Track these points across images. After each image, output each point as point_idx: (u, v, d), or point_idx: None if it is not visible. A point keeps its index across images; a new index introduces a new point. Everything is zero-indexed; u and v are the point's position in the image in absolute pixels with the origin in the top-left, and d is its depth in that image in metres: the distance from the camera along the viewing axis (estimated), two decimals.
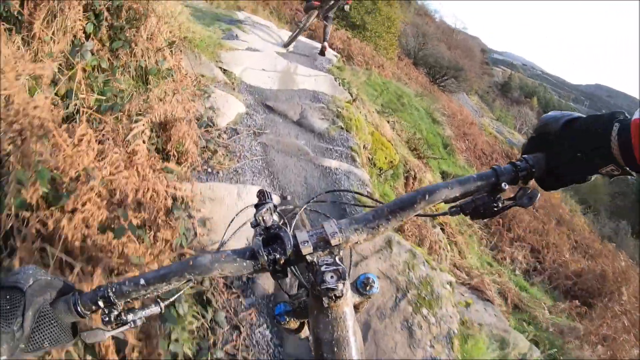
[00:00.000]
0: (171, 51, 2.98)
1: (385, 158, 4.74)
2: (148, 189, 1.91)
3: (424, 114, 8.90)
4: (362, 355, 0.80)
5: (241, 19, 7.50)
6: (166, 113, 2.46)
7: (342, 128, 4.51)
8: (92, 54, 2.41)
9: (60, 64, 2.31)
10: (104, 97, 2.32)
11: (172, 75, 2.85)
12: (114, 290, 0.69)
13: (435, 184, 0.81)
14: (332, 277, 0.71)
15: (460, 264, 4.80)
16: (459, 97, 25.98)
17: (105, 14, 2.55)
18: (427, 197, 0.79)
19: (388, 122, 6.07)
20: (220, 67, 4.48)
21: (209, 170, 2.84)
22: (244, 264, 0.73)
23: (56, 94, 2.19)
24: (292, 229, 0.83)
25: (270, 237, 0.77)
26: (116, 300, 0.70)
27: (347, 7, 7.55)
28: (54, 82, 2.21)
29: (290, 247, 0.74)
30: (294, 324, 1.04)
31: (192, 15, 5.74)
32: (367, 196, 1.24)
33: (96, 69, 2.46)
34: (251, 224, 0.80)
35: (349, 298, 0.78)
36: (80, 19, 2.46)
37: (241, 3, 10.33)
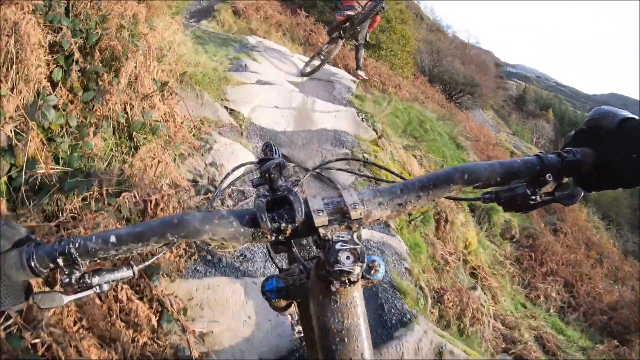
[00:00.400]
0: (162, 95, 2.43)
1: None
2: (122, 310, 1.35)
3: (448, 139, 8.32)
4: (372, 348, 0.67)
5: (252, 44, 7.02)
6: (152, 183, 1.90)
7: (370, 181, 3.91)
8: (57, 109, 1.87)
9: (17, 125, 1.78)
10: (71, 169, 1.76)
11: (162, 127, 2.30)
12: (77, 246, 0.57)
13: (475, 163, 0.72)
14: (348, 257, 0.59)
15: (495, 311, 4.47)
16: (475, 113, 25.42)
17: (77, 55, 2.02)
18: (465, 175, 0.69)
19: (415, 157, 5.49)
20: (226, 107, 4.00)
21: (208, 256, 2.19)
22: (241, 229, 0.62)
23: (13, 165, 1.67)
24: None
25: (277, 200, 0.65)
26: (79, 259, 0.58)
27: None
28: (10, 150, 1.68)
29: (301, 214, 0.62)
30: (283, 302, 0.87)
31: (198, 43, 5.25)
32: (386, 169, 1.02)
33: (65, 129, 1.91)
34: (252, 182, 0.71)
35: (359, 282, 0.67)
36: (44, 64, 1.92)
37: (254, 24, 9.90)
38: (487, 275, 5.03)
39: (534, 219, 9.59)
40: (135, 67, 2.13)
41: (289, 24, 11.06)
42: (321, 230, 0.62)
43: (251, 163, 0.75)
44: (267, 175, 0.69)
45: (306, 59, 7.73)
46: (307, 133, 4.37)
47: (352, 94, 6.55)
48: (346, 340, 0.64)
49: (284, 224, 0.63)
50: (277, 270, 0.98)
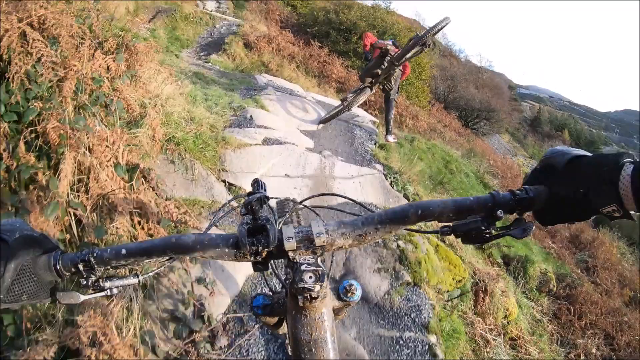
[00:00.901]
0: (131, 187, 1.77)
1: (453, 278, 3.44)
2: None
3: (474, 179, 7.65)
4: (338, 356, 0.78)
5: (261, 85, 6.41)
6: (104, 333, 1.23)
7: (409, 283, 3.12)
8: None
9: None
10: None
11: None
12: (95, 255, 0.70)
13: (429, 200, 0.79)
14: (310, 277, 0.71)
15: None
16: (491, 138, 24.70)
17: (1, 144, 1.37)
18: (419, 212, 0.76)
19: None
20: (224, 180, 3.28)
21: None
22: (226, 250, 0.73)
23: None
24: (279, 225, 0.85)
25: (257, 227, 0.75)
26: (96, 266, 0.70)
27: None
28: None
29: (275, 240, 0.73)
30: (270, 319, 1.01)
31: (199, 86, 4.68)
32: (359, 203, 1.13)
33: None
34: (240, 211, 0.77)
35: (329, 300, 0.80)
36: None
37: (266, 57, 9.38)
38: (528, 343, 4.51)
39: (565, 259, 8.90)
40: (86, 152, 1.49)
41: (302, 56, 10.54)
42: (290, 254, 0.74)
43: (241, 196, 0.78)
44: (249, 207, 0.74)
45: (320, 97, 7.13)
46: (326, 212, 3.52)
47: (375, 143, 5.82)
48: (314, 350, 0.75)
49: (260, 247, 0.72)
50: (269, 290, 1.05)
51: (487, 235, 0.75)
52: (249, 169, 3.58)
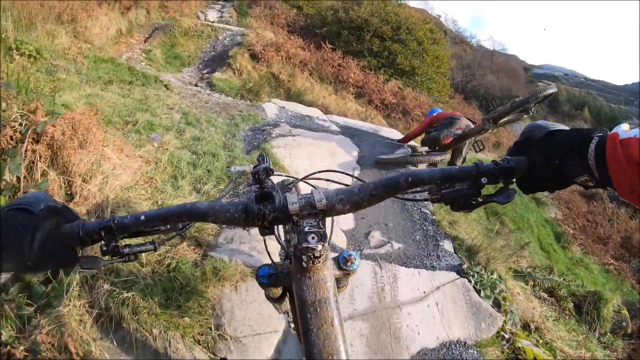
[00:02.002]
0: None
1: None
2: None
3: (526, 197, 6.57)
4: (341, 316, 0.80)
5: (271, 120, 5.07)
6: None
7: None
8: None
9: None
10: None
11: None
12: (115, 222, 0.73)
13: (419, 169, 0.83)
14: (313, 237, 0.74)
15: None
16: (514, 126, 23.35)
17: None
18: (409, 179, 0.79)
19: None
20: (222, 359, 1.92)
21: None
22: (236, 215, 0.75)
23: None
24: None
25: (264, 195, 0.78)
26: (117, 232, 0.73)
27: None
28: None
29: (280, 204, 0.76)
30: (275, 290, 1.04)
31: (188, 140, 3.69)
32: (352, 176, 1.19)
33: None
34: (248, 182, 1.01)
35: (330, 264, 0.83)
36: None
37: (275, 67, 8.41)
38: None
39: (625, 275, 8.20)
40: None
41: (315, 61, 9.53)
42: (294, 217, 0.76)
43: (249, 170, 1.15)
44: (256, 176, 0.82)
45: (344, 120, 6.11)
46: None
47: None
48: (318, 310, 0.77)
49: (267, 212, 0.75)
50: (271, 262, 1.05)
51: (474, 202, 0.79)
52: (264, 326, 2.13)
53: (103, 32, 7.43)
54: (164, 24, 9.65)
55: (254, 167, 0.83)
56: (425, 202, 4.53)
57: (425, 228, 3.91)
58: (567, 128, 0.77)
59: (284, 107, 5.69)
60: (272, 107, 5.57)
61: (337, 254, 0.96)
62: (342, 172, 1.21)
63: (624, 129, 0.68)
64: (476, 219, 4.99)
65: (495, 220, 5.02)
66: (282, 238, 1.06)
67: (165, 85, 5.11)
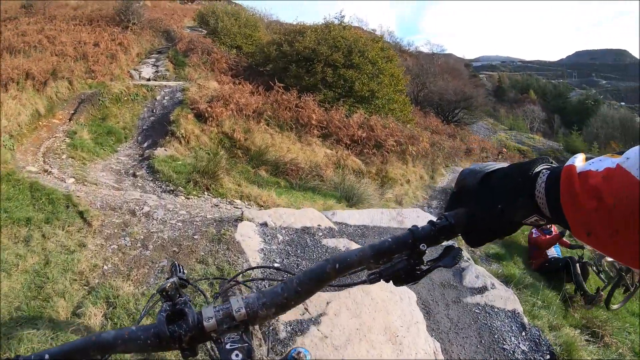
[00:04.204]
0: None
1: None
2: None
3: None
4: None
5: (257, 276, 2.36)
6: None
7: None
8: None
9: None
10: None
11: None
12: None
13: (346, 252, 0.72)
14: (237, 355, 0.69)
15: None
16: (473, 127, 23.02)
17: None
18: (337, 266, 0.69)
19: None
20: None
21: None
22: (149, 341, 0.64)
23: None
24: (216, 304, 0.74)
25: (175, 313, 0.67)
26: None
27: None
28: None
29: (195, 321, 0.66)
30: None
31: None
32: (277, 268, 1.16)
33: None
34: (162, 299, 0.72)
35: None
36: None
37: (227, 125, 7.20)
38: None
39: None
40: None
41: (270, 106, 8.35)
42: (213, 335, 0.66)
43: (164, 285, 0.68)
44: (164, 293, 0.68)
45: (348, 214, 4.45)
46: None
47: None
48: None
49: (182, 333, 0.65)
50: None
51: (418, 272, 0.70)
52: None
53: (11, 122, 6.03)
54: (92, 93, 8.28)
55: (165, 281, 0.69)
56: (513, 313, 3.42)
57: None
58: (504, 165, 0.68)
59: (266, 224, 3.77)
60: (250, 233, 3.59)
61: (285, 354, 0.82)
62: (268, 267, 1.23)
63: (579, 160, 0.55)
64: None
65: None
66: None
67: (82, 214, 3.51)
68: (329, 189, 6.42)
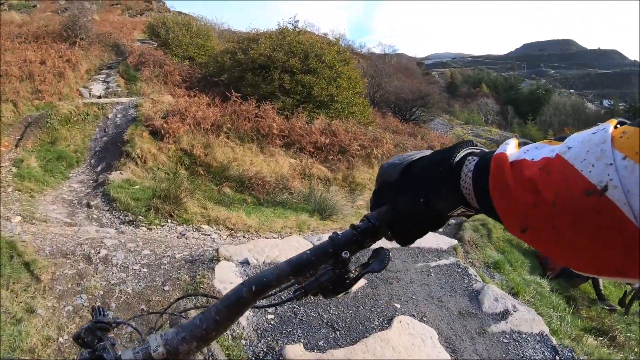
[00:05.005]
0: None
1: None
2: None
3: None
4: None
5: None
6: None
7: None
8: None
9: None
10: None
11: None
12: None
13: (262, 271, 0.66)
14: None
15: None
16: (431, 124, 23.35)
17: None
18: (253, 288, 0.64)
19: None
20: None
21: None
22: None
23: None
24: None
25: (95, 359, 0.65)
26: None
27: None
28: None
29: None
30: None
31: None
32: (204, 295, 1.15)
33: None
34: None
35: None
36: None
37: (185, 141, 6.89)
38: None
39: None
40: None
41: (229, 118, 8.07)
42: None
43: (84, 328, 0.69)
44: (79, 340, 0.67)
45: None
46: None
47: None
48: None
49: None
50: None
51: (348, 281, 0.64)
52: None
53: None
54: (39, 115, 7.75)
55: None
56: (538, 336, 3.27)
57: None
58: (425, 153, 0.63)
59: (247, 262, 3.35)
60: (231, 277, 3.16)
61: None
62: (198, 295, 1.18)
63: (512, 147, 0.48)
64: None
65: None
66: None
67: (28, 265, 2.89)
68: (299, 202, 6.22)
